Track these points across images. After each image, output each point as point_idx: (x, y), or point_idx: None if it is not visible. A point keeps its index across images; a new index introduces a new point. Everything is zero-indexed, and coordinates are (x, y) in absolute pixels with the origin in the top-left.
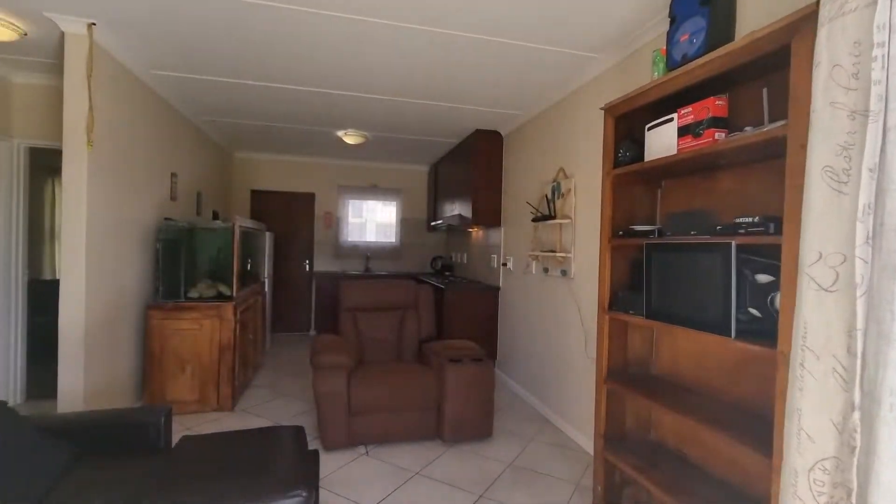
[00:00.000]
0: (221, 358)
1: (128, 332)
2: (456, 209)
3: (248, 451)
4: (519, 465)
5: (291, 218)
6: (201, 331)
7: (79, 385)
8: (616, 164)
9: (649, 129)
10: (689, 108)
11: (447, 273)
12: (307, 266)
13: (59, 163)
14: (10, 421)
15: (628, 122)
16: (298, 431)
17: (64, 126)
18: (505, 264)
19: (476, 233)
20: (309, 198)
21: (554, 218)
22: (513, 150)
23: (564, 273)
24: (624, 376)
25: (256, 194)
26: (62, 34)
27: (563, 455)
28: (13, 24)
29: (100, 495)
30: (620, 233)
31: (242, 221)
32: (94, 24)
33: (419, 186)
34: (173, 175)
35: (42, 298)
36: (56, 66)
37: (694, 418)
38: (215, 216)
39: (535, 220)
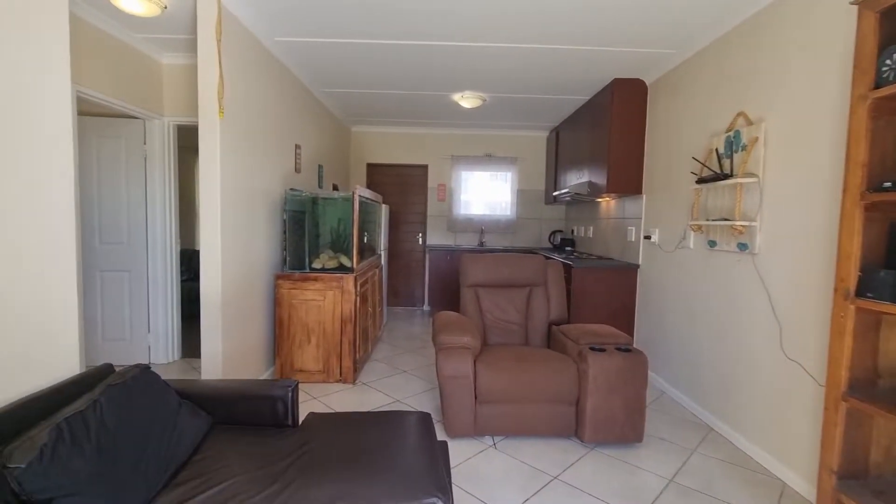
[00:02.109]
0: (343, 330)
1: (259, 301)
2: (584, 176)
3: (376, 438)
4: (683, 484)
5: (405, 191)
6: (325, 302)
7: (218, 351)
8: (878, 84)
9: None
10: None
11: (568, 249)
12: (420, 240)
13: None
14: (156, 387)
15: None
16: (426, 419)
17: (199, 96)
18: (648, 237)
19: (607, 203)
20: (422, 170)
21: (731, 177)
22: (661, 100)
23: (744, 247)
24: (871, 391)
25: (372, 168)
26: (195, 2)
27: (741, 477)
28: None
29: (238, 467)
30: (888, 184)
31: (362, 192)
32: None
33: (537, 155)
34: (297, 147)
35: (193, 266)
36: (195, 43)
37: None
38: (335, 189)
39: (700, 181)
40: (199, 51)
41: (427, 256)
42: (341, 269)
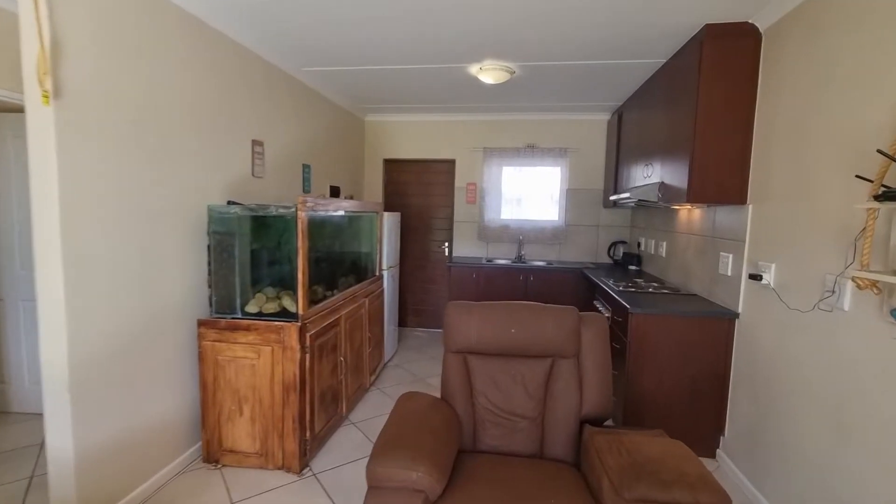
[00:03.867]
0: (286, 400)
1: (176, 356)
2: (653, 175)
3: None
4: None
5: (428, 191)
6: (259, 361)
7: (67, 449)
8: None
9: None
10: None
11: (633, 268)
12: (446, 250)
13: None
14: None
15: None
16: None
17: (23, 68)
18: (758, 277)
19: (689, 212)
20: (448, 166)
21: None
22: (789, 51)
23: None
24: None
25: (390, 165)
26: None
27: None
28: None
29: None
30: None
31: (320, 203)
32: None
33: (594, 145)
34: (256, 144)
35: None
36: None
37: None
38: (334, 193)
39: (886, 196)
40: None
41: (450, 273)
42: (285, 314)
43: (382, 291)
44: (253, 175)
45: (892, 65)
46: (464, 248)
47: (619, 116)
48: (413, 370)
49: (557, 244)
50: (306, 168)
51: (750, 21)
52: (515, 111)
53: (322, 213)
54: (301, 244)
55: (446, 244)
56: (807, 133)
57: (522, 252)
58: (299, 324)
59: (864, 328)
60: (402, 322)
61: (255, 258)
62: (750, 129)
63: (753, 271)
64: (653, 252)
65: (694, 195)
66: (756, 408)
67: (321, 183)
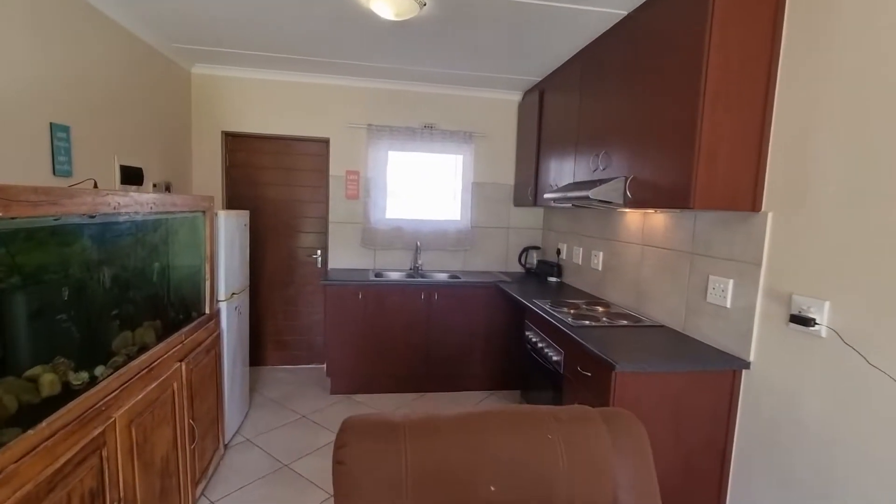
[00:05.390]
0: None
1: None
2: (611, 168)
3: None
4: None
5: (292, 179)
6: None
7: None
8: None
9: None
10: None
11: (552, 280)
12: (318, 259)
13: None
14: None
15: None
16: None
17: None
18: (808, 322)
19: (644, 217)
20: (320, 147)
21: None
22: None
23: None
24: None
25: (234, 141)
26: None
27: None
28: None
29: None
30: None
31: (58, 201)
32: None
33: (504, 129)
34: None
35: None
36: None
37: None
38: (131, 178)
39: None
40: None
41: (326, 293)
42: None
43: (219, 336)
44: None
45: None
46: (344, 257)
47: (540, 95)
48: (272, 448)
49: (462, 251)
50: (59, 131)
51: None
52: (412, 79)
53: (75, 221)
54: None
55: (319, 252)
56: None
57: (419, 262)
58: None
59: None
60: (256, 359)
61: None
62: (767, 101)
63: (800, 313)
64: (579, 262)
65: (701, 197)
66: (785, 493)
67: (102, 160)
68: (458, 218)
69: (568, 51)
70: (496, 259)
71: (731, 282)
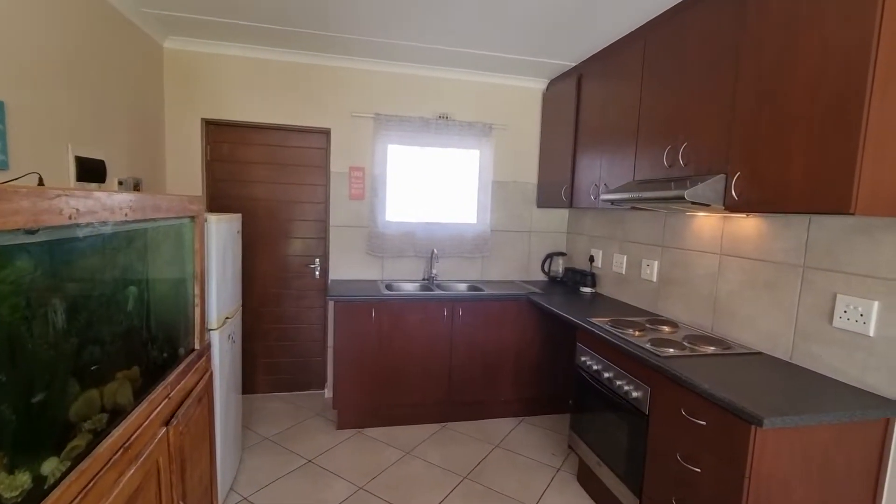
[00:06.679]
0: None
1: None
2: (691, 163)
3: None
4: None
5: (285, 177)
6: None
7: None
8: None
9: None
10: None
11: (585, 291)
12: (316, 270)
13: None
14: None
15: None
16: None
17: None
18: None
19: (724, 221)
20: (319, 139)
21: None
22: None
23: None
24: None
25: (216, 130)
26: None
27: None
28: None
29: None
30: None
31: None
32: None
33: (527, 121)
34: None
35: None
36: None
37: None
38: (90, 174)
39: None
40: None
41: (332, 309)
42: None
43: (212, 377)
44: None
45: None
46: (346, 266)
47: (578, 81)
48: (270, 458)
49: (480, 257)
50: None
51: None
52: (424, 62)
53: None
54: None
55: (317, 261)
56: None
57: (434, 272)
58: None
59: None
60: (245, 386)
61: None
62: None
63: None
64: (622, 272)
65: (866, 200)
66: None
67: (51, 149)
68: (475, 221)
69: (618, 29)
70: (517, 267)
71: (875, 304)
